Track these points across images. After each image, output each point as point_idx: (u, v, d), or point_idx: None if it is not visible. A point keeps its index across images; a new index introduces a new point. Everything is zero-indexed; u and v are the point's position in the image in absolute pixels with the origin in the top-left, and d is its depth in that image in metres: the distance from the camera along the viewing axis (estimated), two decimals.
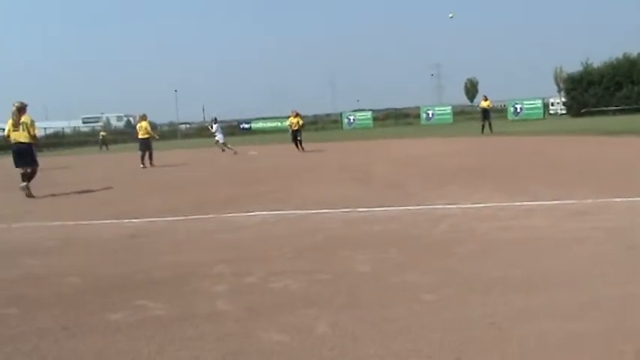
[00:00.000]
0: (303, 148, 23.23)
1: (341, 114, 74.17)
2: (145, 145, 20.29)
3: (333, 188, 10.72)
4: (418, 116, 68.78)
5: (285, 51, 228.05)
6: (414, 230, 6.36)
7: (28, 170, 11.82)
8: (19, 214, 9.52)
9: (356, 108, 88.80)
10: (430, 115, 65.53)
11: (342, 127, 68.13)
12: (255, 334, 3.44)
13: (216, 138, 27.21)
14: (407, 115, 78.28)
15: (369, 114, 72.33)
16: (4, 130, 15.33)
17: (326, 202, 8.64)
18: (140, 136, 20.41)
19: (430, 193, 9.06)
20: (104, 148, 45.09)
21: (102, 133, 51.09)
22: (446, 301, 3.85)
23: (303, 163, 18.10)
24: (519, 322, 3.42)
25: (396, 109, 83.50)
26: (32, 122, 11.80)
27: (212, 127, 28.49)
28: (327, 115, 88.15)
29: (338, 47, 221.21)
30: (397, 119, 74.68)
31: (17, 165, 11.89)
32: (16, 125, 11.65)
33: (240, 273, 4.84)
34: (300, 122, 24.11)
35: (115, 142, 56.11)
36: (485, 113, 29.87)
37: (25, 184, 11.59)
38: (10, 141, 12.03)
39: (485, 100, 30.57)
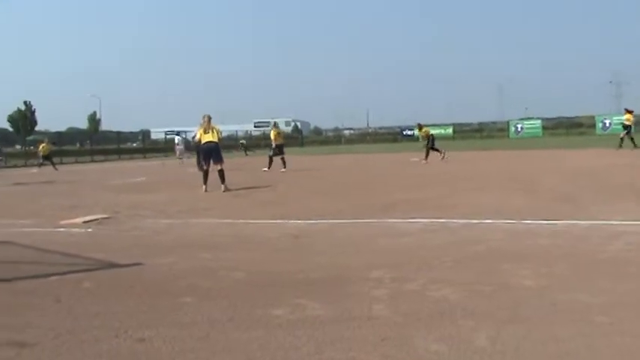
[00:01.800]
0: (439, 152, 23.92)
1: (508, 122, 71.98)
2: (281, 150, 22.39)
3: (497, 198, 10.36)
4: (593, 125, 64.88)
5: (450, 56, 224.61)
6: (584, 246, 5.94)
7: (219, 167, 14.15)
8: (196, 210, 10.30)
9: (524, 116, 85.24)
10: (607, 125, 61.42)
11: (508, 136, 66.06)
12: (412, 342, 3.40)
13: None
14: (580, 125, 74.04)
15: (538, 122, 69.47)
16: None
17: (489, 212, 8.37)
18: (276, 143, 22.34)
19: (604, 208, 8.43)
20: (249, 153, 48.43)
21: (241, 141, 55.20)
22: (620, 325, 3.53)
23: (466, 171, 17.69)
24: None
25: (567, 117, 79.05)
26: (218, 128, 14.90)
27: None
28: (494, 122, 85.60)
29: (507, 54, 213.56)
30: (569, 128, 70.75)
31: (207, 161, 14.35)
32: (206, 130, 14.49)
33: (399, 279, 4.83)
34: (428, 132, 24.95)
35: (286, 145, 59.20)
36: (627, 127, 26.99)
37: (223, 186, 13.85)
38: (200, 143, 14.74)
39: (626, 112, 27.92)
